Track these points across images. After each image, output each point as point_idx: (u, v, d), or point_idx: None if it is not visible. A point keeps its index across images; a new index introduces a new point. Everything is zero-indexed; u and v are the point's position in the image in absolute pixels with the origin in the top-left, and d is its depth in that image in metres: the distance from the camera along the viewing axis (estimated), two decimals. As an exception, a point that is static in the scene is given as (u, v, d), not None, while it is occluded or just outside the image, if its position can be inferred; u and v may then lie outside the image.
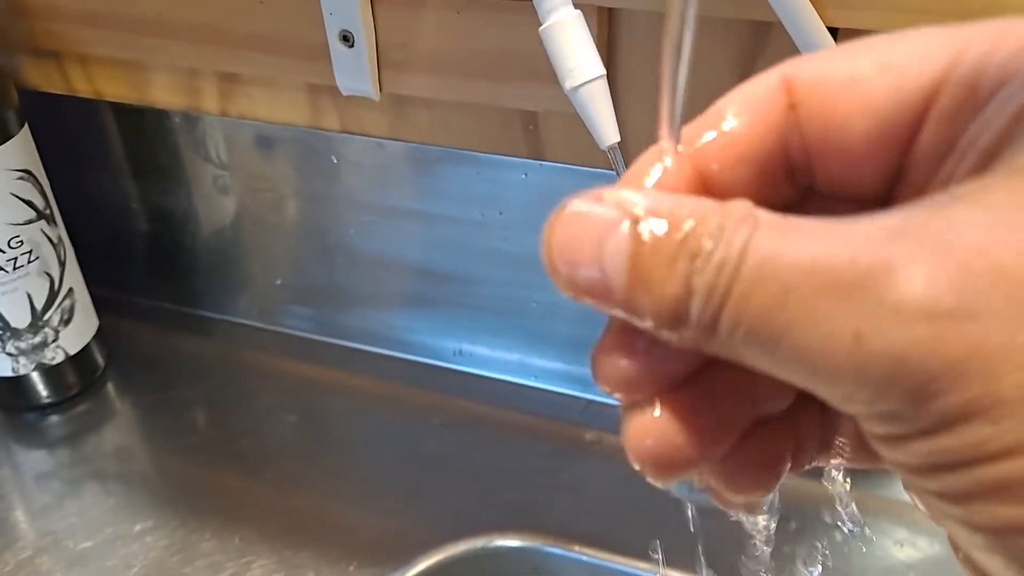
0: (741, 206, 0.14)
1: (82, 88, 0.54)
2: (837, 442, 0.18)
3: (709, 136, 0.17)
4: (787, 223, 0.14)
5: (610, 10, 0.40)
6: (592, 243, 0.15)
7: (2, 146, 0.46)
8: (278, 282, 0.58)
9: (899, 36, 0.16)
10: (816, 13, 0.35)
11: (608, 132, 0.28)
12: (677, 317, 0.15)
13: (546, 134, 0.46)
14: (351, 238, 0.54)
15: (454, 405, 0.54)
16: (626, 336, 0.16)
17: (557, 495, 0.48)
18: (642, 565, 0.44)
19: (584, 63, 0.28)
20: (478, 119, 0.46)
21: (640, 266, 0.15)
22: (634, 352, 0.16)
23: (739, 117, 0.17)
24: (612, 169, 0.45)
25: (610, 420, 0.52)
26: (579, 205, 0.16)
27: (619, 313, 0.16)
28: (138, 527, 0.47)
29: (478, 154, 0.47)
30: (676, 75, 0.15)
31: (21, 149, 0.47)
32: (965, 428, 0.13)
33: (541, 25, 0.33)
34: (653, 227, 0.15)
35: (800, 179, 0.17)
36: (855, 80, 0.16)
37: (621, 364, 0.16)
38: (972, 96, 0.15)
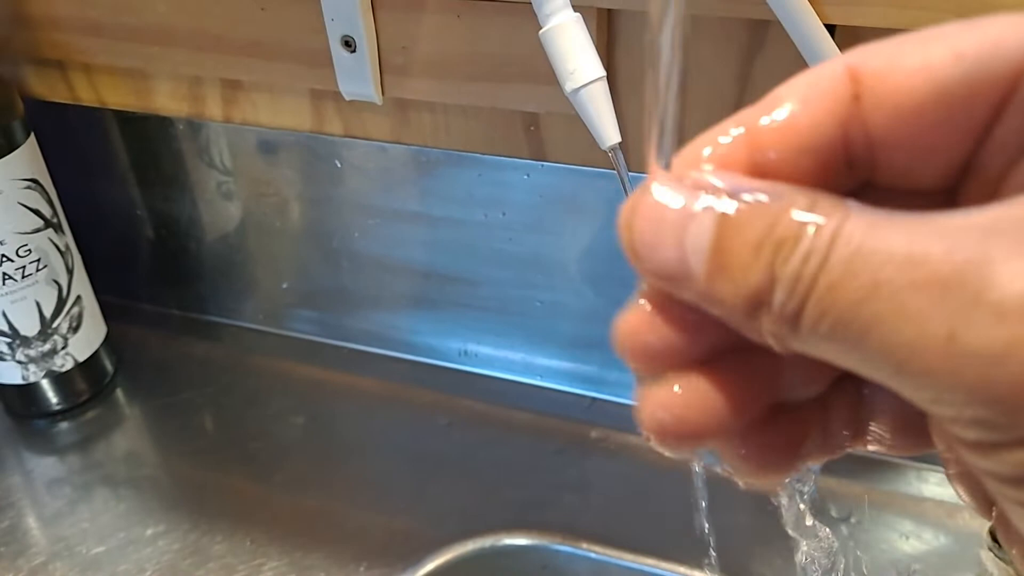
0: (829, 195, 0.14)
1: (86, 97, 0.55)
2: (873, 429, 0.18)
3: (767, 122, 0.16)
4: (878, 214, 0.13)
5: (609, 11, 0.40)
6: (674, 227, 0.15)
7: (9, 156, 0.47)
8: (284, 286, 0.58)
9: (974, 24, 0.15)
10: (813, 10, 0.35)
11: (609, 133, 0.28)
12: (758, 306, 0.14)
13: (547, 135, 0.46)
14: (355, 241, 0.54)
15: (460, 405, 0.54)
16: (655, 311, 0.16)
17: (564, 493, 0.48)
18: (649, 561, 0.44)
19: (584, 65, 0.28)
20: (480, 121, 0.46)
21: (723, 252, 0.14)
22: (662, 328, 0.16)
23: (801, 105, 0.16)
24: (613, 169, 0.45)
25: (615, 417, 0.52)
26: (661, 187, 0.15)
27: (698, 300, 0.15)
28: (150, 531, 0.47)
29: (480, 156, 0.48)
30: (666, 93, 0.15)
31: (28, 158, 0.48)
32: None
33: (541, 28, 0.33)
34: (739, 211, 0.14)
35: (859, 171, 0.17)
36: (928, 68, 0.15)
37: (647, 339, 0.16)
38: None
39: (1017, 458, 0.13)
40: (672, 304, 0.16)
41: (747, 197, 0.14)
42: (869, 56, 0.16)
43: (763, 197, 0.14)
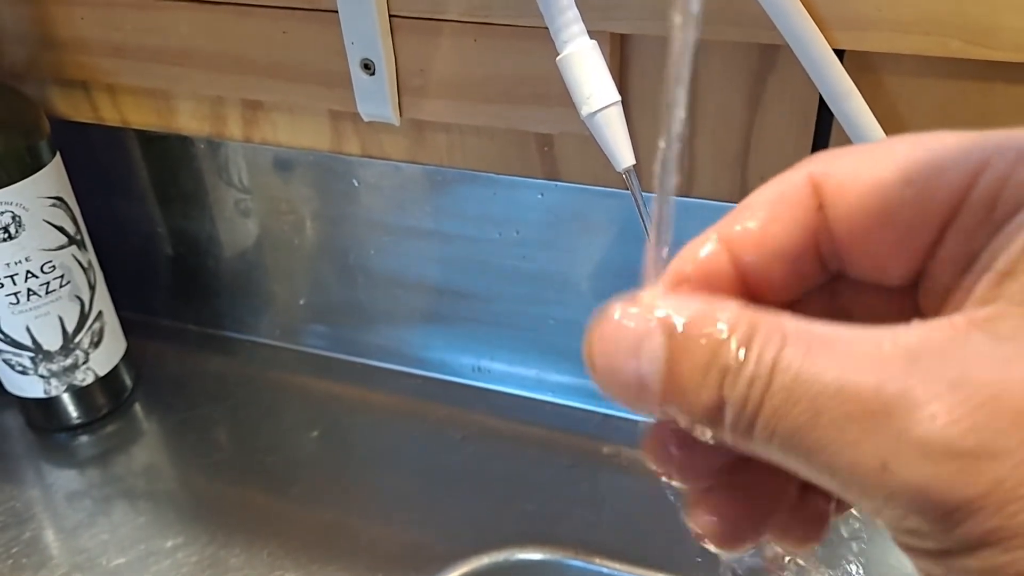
0: (769, 317, 0.15)
1: (109, 116, 0.56)
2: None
3: (741, 230, 0.18)
4: (813, 337, 0.15)
5: (622, 36, 0.41)
6: (629, 349, 0.16)
7: (36, 175, 0.48)
8: (301, 302, 0.59)
9: (922, 141, 0.17)
10: (822, 36, 0.36)
11: (624, 155, 0.29)
12: (713, 422, 0.16)
13: (561, 155, 0.47)
14: (371, 258, 0.55)
15: (473, 420, 0.55)
16: (673, 428, 0.17)
17: (576, 508, 0.49)
18: (661, 576, 0.45)
19: (600, 90, 0.29)
20: (495, 141, 0.47)
21: (675, 373, 0.16)
22: (683, 441, 0.17)
23: (770, 215, 0.18)
24: (626, 188, 0.46)
25: (627, 433, 0.53)
26: (616, 311, 0.16)
27: (659, 415, 0.16)
28: (169, 543, 0.48)
29: (495, 175, 0.49)
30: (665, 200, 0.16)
31: (53, 177, 0.49)
32: (984, 552, 0.14)
33: (557, 54, 0.34)
34: (686, 335, 0.15)
35: (831, 266, 0.18)
36: (880, 188, 0.17)
37: (672, 452, 0.18)
38: (990, 215, 0.16)
39: (948, 563, 0.14)
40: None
41: (695, 318, 0.16)
42: (831, 167, 0.17)
43: (709, 319, 0.15)
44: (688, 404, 0.16)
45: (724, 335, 0.15)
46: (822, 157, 0.18)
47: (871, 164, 0.17)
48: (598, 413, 0.54)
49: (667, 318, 0.16)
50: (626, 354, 0.16)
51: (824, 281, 0.19)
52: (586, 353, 0.17)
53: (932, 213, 0.17)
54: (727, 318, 0.15)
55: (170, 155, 0.56)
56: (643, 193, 0.34)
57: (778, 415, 0.15)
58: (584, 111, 0.29)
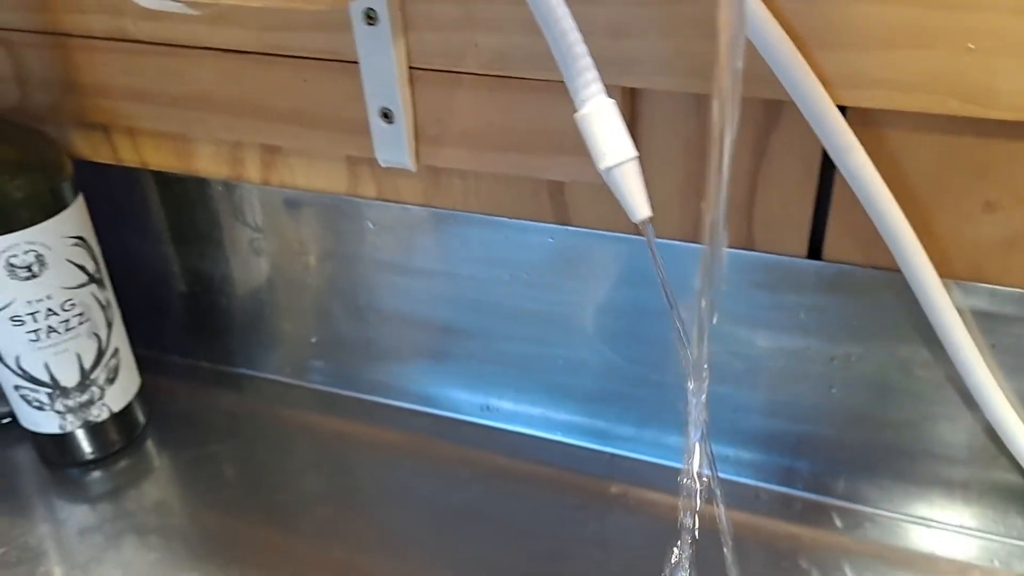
0: None
1: (128, 158, 0.57)
2: None
3: None
4: None
5: (632, 90, 0.42)
6: None
7: (60, 215, 0.49)
8: (312, 340, 0.60)
9: None
10: (826, 93, 0.38)
11: (641, 208, 0.31)
12: None
13: (572, 201, 0.48)
14: (381, 297, 0.56)
15: (482, 459, 0.56)
16: None
17: (584, 547, 0.49)
18: (669, 616, 0.45)
19: (618, 146, 0.30)
20: (508, 187, 0.49)
21: None
22: None
23: None
24: (634, 234, 0.47)
25: (635, 473, 0.54)
26: None
27: None
28: (181, 580, 0.49)
29: (506, 219, 0.50)
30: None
31: (77, 217, 0.50)
32: None
33: (572, 106, 0.36)
34: None
35: None
36: None
37: None
38: None
39: None
40: None
41: None
42: None
43: None
44: None
45: None
46: None
47: None
48: (606, 453, 0.55)
49: None
50: None
51: None
52: None
53: None
54: None
55: (187, 195, 0.57)
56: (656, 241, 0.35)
57: None
58: (602, 166, 0.31)
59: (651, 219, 0.31)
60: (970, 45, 0.35)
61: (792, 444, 0.51)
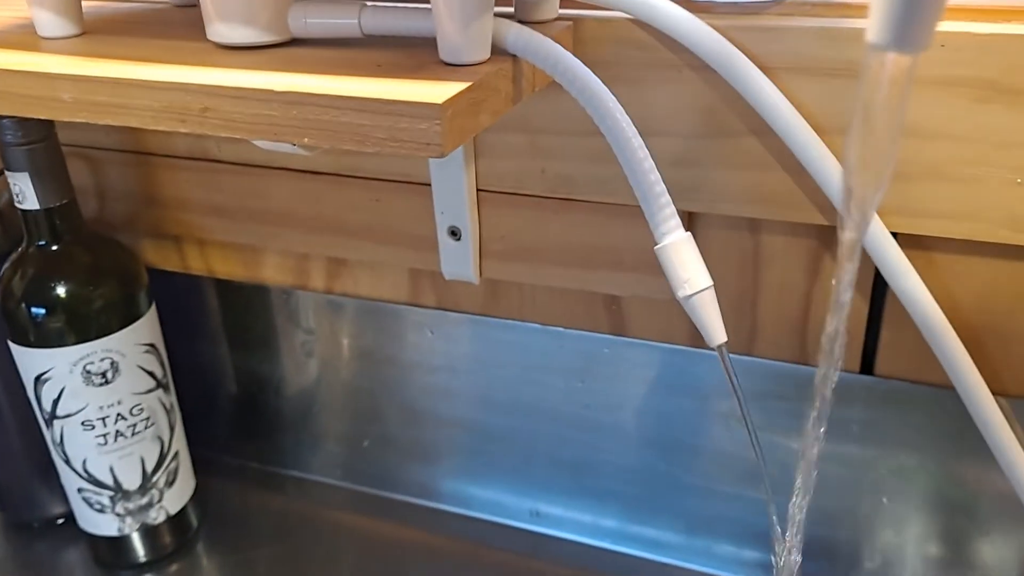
0: None
1: (196, 266, 0.60)
2: None
3: None
4: None
5: (690, 213, 0.45)
6: None
7: (136, 323, 0.51)
8: (365, 444, 0.61)
9: None
10: (880, 220, 0.40)
11: (717, 333, 0.32)
12: None
13: (627, 312, 0.50)
14: (436, 402, 0.57)
15: (531, 566, 0.56)
16: None
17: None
18: None
19: (696, 275, 0.32)
20: (565, 298, 0.51)
21: None
22: None
23: None
24: (690, 346, 0.49)
25: (687, 583, 0.54)
26: None
27: None
28: None
29: (563, 329, 0.52)
30: None
31: (149, 326, 0.52)
32: None
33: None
34: None
35: None
36: None
37: None
38: None
39: None
40: None
41: None
42: None
43: None
44: None
45: None
46: None
47: None
48: (655, 562, 0.55)
49: None
50: None
51: None
52: None
53: None
54: None
55: (246, 301, 0.59)
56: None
57: None
58: (680, 294, 0.33)
59: (726, 343, 0.33)
60: (1018, 180, 0.37)
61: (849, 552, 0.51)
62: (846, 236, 0.18)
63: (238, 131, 0.32)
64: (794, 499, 0.33)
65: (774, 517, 0.34)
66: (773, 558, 0.34)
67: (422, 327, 0.55)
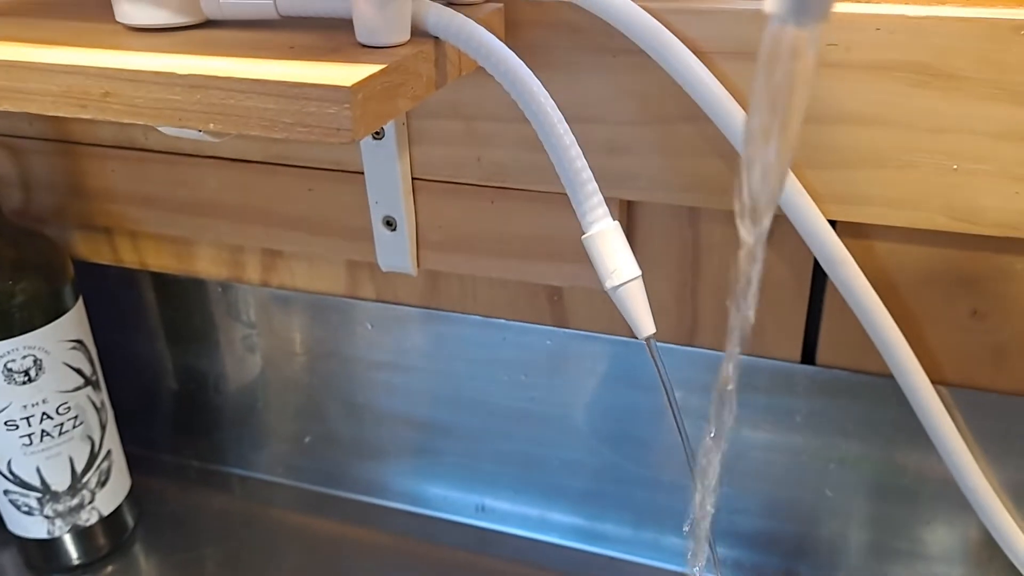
0: None
1: (129, 259, 0.58)
2: None
3: None
4: None
5: (629, 201, 0.44)
6: None
7: (60, 319, 0.49)
8: (307, 440, 0.60)
9: None
10: (817, 208, 0.39)
11: (645, 324, 0.32)
12: None
13: (570, 304, 0.49)
14: (377, 397, 0.56)
15: (477, 562, 0.55)
16: None
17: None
18: None
19: (623, 266, 0.31)
20: (506, 290, 0.50)
21: None
22: None
23: None
24: (634, 337, 0.48)
25: (633, 577, 0.53)
26: None
27: None
28: None
29: (505, 321, 0.51)
30: None
31: (76, 321, 0.50)
32: None
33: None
34: None
35: None
36: None
37: None
38: None
39: None
40: None
41: None
42: None
43: None
44: None
45: None
46: None
47: None
48: (603, 556, 0.55)
49: None
50: None
51: None
52: None
53: None
54: None
55: (183, 295, 0.58)
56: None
57: None
58: (608, 284, 0.32)
59: (654, 335, 0.32)
60: (954, 166, 0.37)
61: (791, 546, 0.51)
62: (744, 241, 0.17)
63: (141, 117, 0.30)
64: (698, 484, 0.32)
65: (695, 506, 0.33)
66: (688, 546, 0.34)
67: (363, 321, 0.54)
